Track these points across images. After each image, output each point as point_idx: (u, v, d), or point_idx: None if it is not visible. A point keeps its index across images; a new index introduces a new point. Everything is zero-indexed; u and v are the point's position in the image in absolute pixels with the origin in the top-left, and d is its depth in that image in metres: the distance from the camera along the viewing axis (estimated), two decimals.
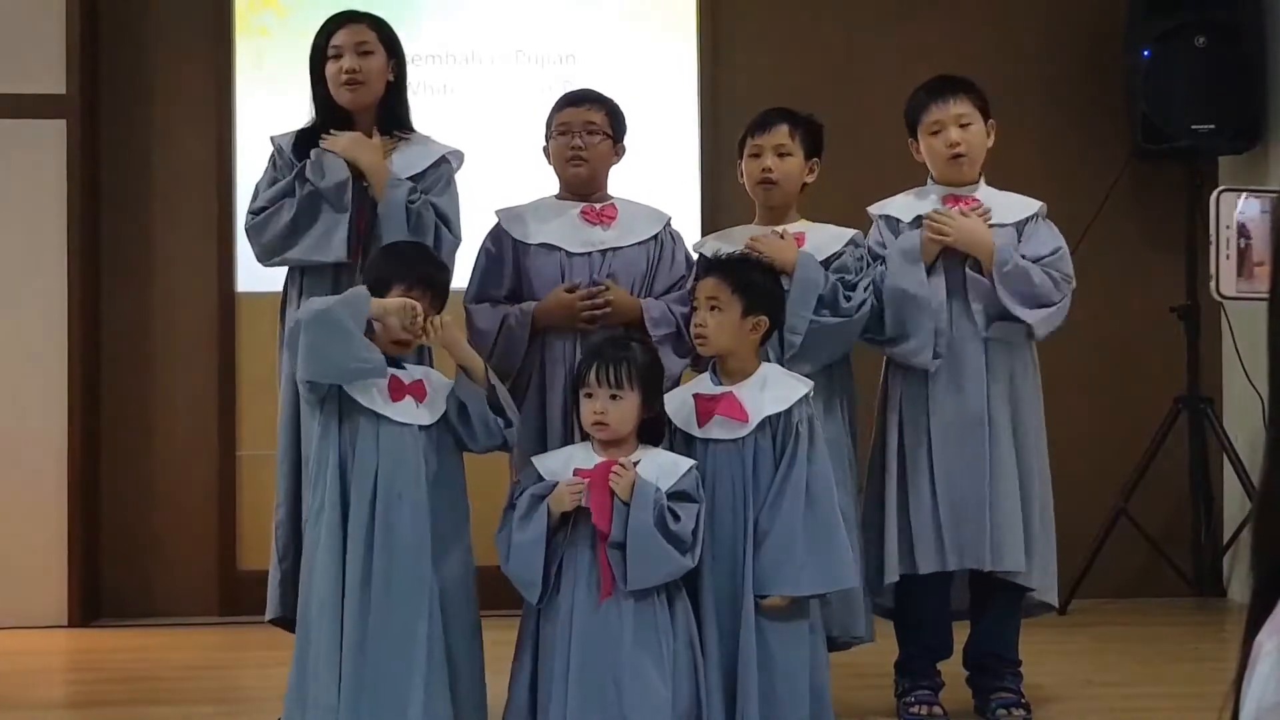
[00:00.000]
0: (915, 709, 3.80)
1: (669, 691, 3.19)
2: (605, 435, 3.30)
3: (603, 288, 3.61)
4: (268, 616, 3.70)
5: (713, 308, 3.40)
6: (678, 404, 3.43)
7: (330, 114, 3.70)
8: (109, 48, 5.60)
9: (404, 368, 3.33)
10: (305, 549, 3.26)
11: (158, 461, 5.56)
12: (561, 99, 3.81)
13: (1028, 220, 3.87)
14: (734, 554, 3.32)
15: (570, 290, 3.62)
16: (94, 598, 5.48)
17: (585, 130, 3.71)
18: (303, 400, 3.30)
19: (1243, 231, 1.61)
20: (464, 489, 3.38)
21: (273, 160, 3.74)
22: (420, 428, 3.28)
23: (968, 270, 3.77)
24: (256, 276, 4.83)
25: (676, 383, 3.60)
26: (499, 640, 3.37)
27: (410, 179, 3.65)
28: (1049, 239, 3.86)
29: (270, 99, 5.41)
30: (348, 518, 3.20)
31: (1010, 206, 3.89)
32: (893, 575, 3.76)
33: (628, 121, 3.82)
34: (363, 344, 3.20)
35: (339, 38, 3.67)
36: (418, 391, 3.30)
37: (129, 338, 5.58)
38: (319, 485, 3.24)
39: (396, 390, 3.27)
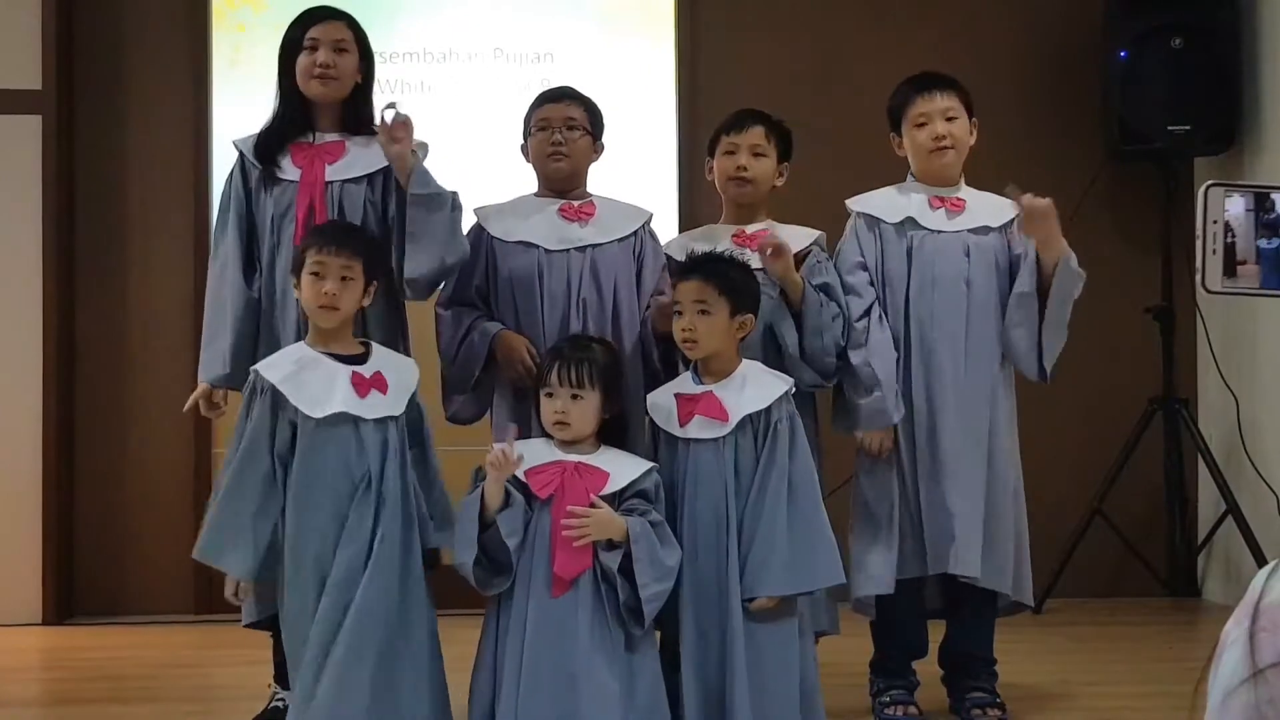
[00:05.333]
0: (891, 709, 3.80)
1: (619, 685, 3.19)
2: (566, 435, 3.32)
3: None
4: (247, 620, 3.65)
5: (701, 311, 3.38)
6: (660, 403, 3.44)
7: (294, 106, 3.69)
8: (84, 43, 5.58)
9: (363, 362, 3.30)
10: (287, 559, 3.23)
11: (132, 459, 5.54)
12: (540, 96, 3.80)
13: (1010, 223, 3.86)
14: (717, 553, 3.32)
15: (531, 358, 3.54)
16: (68, 596, 5.46)
17: (565, 126, 3.69)
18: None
19: (1227, 229, 1.61)
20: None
21: (240, 167, 3.70)
22: (393, 418, 3.27)
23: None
24: None
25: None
26: (465, 640, 3.35)
27: (367, 177, 3.62)
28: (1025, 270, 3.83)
29: (246, 94, 5.39)
30: (337, 527, 3.17)
31: (994, 208, 3.87)
32: (882, 588, 3.74)
33: (605, 121, 3.81)
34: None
35: (316, 31, 3.65)
36: (380, 384, 3.28)
37: (104, 335, 5.55)
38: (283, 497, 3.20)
39: (361, 386, 3.25)
